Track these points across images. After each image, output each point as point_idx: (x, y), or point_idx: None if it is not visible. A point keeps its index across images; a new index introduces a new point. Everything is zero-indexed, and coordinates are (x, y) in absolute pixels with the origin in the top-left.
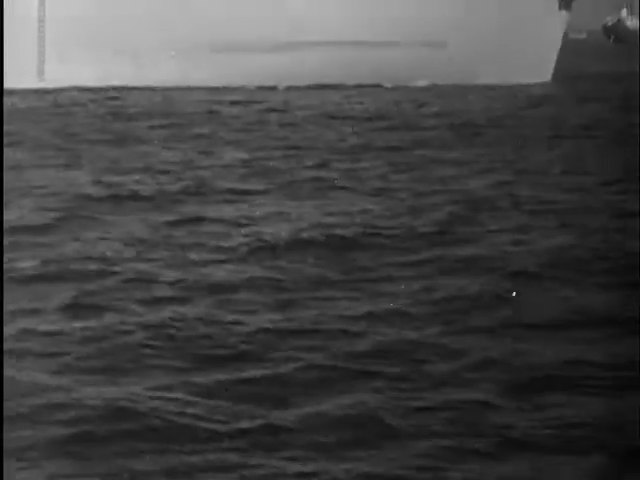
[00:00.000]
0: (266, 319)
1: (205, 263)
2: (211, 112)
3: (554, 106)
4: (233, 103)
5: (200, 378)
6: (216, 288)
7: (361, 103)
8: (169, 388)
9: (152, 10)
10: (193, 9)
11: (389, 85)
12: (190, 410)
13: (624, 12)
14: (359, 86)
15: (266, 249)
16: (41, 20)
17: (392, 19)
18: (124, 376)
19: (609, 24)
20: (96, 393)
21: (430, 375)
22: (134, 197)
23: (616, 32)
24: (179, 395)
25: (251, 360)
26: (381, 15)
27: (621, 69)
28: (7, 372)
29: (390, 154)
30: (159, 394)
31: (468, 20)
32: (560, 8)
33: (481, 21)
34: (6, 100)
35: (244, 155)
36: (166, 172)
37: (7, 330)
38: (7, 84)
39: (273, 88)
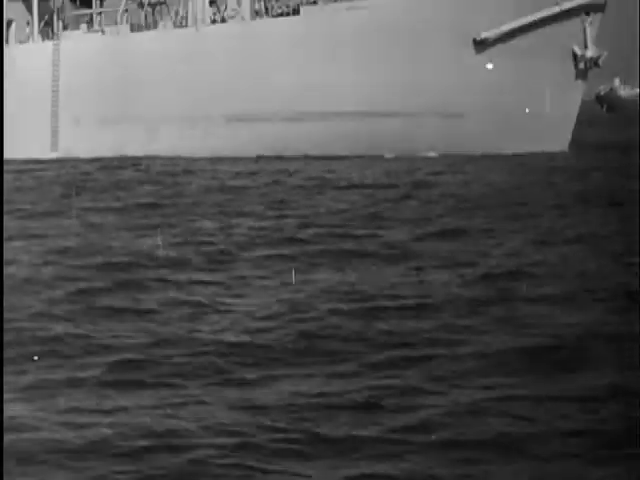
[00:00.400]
0: None
1: None
2: (218, 182)
3: (573, 175)
4: (238, 174)
5: None
6: None
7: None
8: None
9: (168, 80)
10: (208, 80)
11: (391, 155)
12: None
13: (617, 81)
14: (370, 157)
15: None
16: (55, 91)
17: (406, 89)
18: None
19: (602, 93)
20: None
21: None
22: None
23: (609, 101)
24: None
25: None
26: (394, 85)
27: (620, 138)
28: None
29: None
30: None
31: (485, 91)
32: (576, 78)
33: (498, 92)
34: (22, 169)
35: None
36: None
37: None
38: (21, 154)
39: (281, 157)
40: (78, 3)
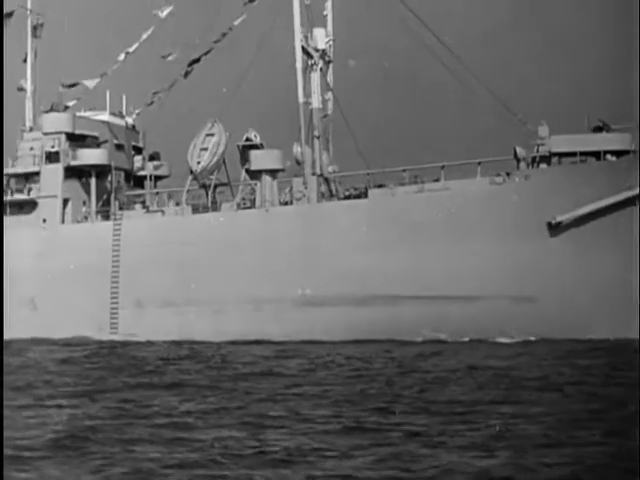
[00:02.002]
0: None
1: None
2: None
3: None
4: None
5: None
6: None
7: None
8: None
9: (234, 262)
10: (275, 262)
11: (454, 339)
12: None
13: None
14: (440, 341)
15: None
16: (115, 272)
17: (476, 272)
18: None
19: None
20: None
21: None
22: None
23: None
24: None
25: None
26: (464, 268)
27: None
28: None
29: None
30: None
31: (559, 274)
32: None
33: (572, 275)
34: (77, 348)
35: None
36: None
37: None
38: (79, 333)
39: (350, 342)
40: (132, 183)
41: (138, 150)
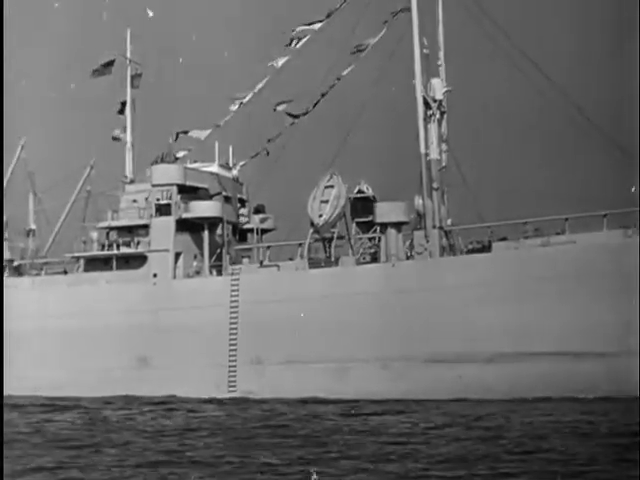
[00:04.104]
0: None
1: None
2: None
3: None
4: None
5: None
6: None
7: None
8: None
9: (357, 319)
10: (401, 319)
11: (592, 396)
12: None
13: None
14: (575, 399)
15: None
16: (233, 328)
17: (610, 327)
18: None
19: None
20: None
21: None
22: None
23: None
24: None
25: None
26: (597, 323)
27: None
28: None
29: None
30: None
31: None
32: None
33: None
34: (195, 408)
35: None
36: None
37: None
38: (196, 393)
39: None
40: (237, 237)
41: (242, 202)
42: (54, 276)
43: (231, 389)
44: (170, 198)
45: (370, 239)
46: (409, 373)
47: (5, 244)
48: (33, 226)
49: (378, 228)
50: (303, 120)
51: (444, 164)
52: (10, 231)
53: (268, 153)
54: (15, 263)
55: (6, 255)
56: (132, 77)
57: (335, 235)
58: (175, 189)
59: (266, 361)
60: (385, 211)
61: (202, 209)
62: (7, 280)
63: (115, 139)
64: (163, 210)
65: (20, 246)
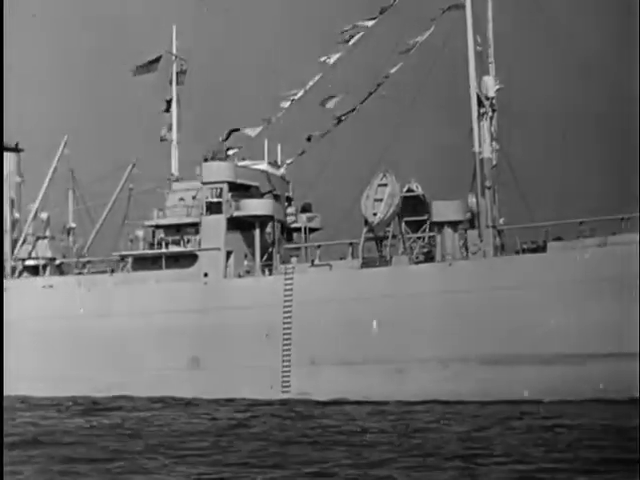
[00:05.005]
0: None
1: None
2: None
3: None
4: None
5: None
6: None
7: None
8: None
9: (415, 318)
10: (459, 319)
11: None
12: None
13: None
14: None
15: None
16: (287, 328)
17: None
18: None
19: None
20: None
21: None
22: None
23: None
24: None
25: None
26: None
27: None
28: None
29: None
30: None
31: None
32: None
33: None
34: (248, 409)
35: None
36: None
37: None
38: (250, 394)
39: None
40: (285, 236)
41: (289, 201)
42: (100, 275)
43: (285, 390)
44: (221, 196)
45: (422, 238)
46: (468, 374)
47: (46, 242)
48: (73, 224)
49: (428, 227)
50: (350, 117)
51: (495, 162)
52: (52, 229)
53: (310, 139)
54: (57, 261)
55: (48, 253)
56: (177, 74)
57: (390, 234)
58: (226, 187)
59: (321, 362)
60: (441, 210)
61: (254, 207)
62: (49, 279)
63: (163, 140)
64: (213, 208)
65: (61, 244)
